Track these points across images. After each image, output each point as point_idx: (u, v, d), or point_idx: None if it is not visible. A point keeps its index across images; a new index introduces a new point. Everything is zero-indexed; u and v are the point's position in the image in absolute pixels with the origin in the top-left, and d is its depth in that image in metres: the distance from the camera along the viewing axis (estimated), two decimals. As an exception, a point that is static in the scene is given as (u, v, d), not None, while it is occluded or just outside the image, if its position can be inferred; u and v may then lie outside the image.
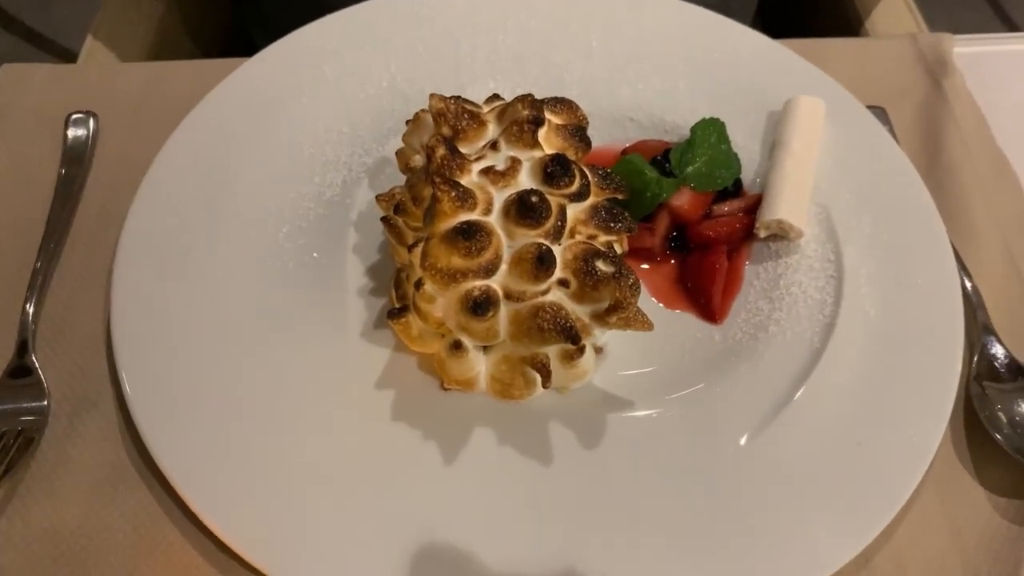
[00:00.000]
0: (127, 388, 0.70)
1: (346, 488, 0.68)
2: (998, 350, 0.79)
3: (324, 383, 0.73)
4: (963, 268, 0.85)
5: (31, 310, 0.77)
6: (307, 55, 0.94)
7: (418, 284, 0.67)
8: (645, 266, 0.84)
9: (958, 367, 0.75)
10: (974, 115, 0.99)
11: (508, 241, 0.67)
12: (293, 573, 0.63)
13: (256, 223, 0.82)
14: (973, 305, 0.82)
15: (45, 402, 0.73)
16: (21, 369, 0.74)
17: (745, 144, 0.91)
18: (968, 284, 0.84)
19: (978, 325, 0.81)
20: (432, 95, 0.72)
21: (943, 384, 0.74)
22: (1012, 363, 0.79)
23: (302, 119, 0.90)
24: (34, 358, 0.75)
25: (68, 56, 1.20)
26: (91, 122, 0.92)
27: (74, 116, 0.92)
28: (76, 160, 0.89)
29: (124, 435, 0.72)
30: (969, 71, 1.03)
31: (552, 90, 0.92)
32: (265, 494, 0.67)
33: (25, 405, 0.72)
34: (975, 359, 0.79)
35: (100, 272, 0.81)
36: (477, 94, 0.85)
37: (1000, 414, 0.75)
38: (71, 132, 0.91)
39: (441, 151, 0.68)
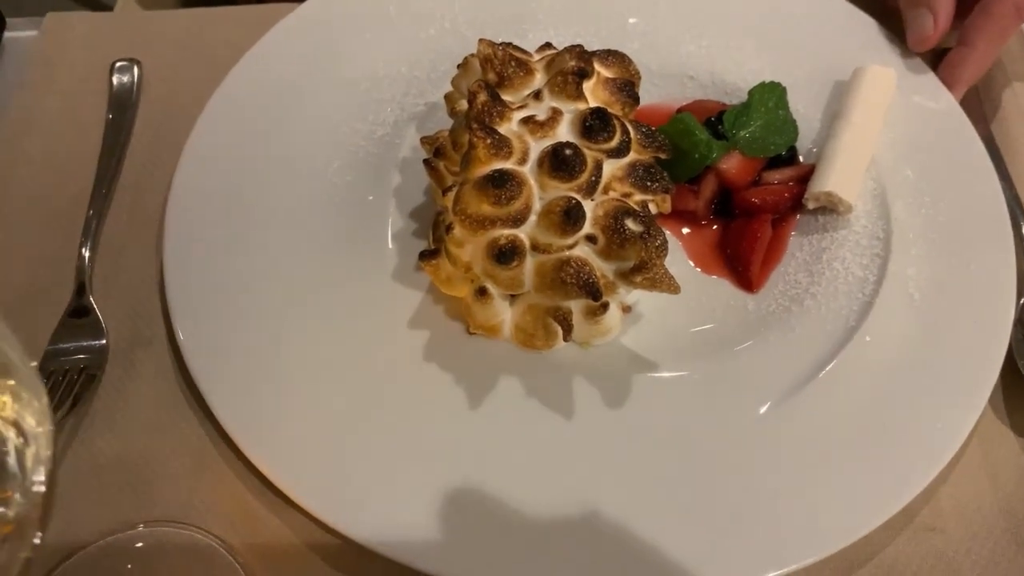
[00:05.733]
0: (179, 331, 0.73)
1: (379, 426, 0.70)
2: None
3: (362, 323, 0.75)
4: (1021, 210, 0.84)
5: (87, 254, 0.81)
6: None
7: (448, 228, 0.68)
8: (686, 229, 0.83)
9: (999, 363, 0.72)
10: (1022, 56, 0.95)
11: (540, 193, 0.67)
12: (326, 506, 0.66)
13: (307, 158, 0.84)
14: None
15: (104, 341, 0.76)
16: (80, 310, 0.78)
17: (807, 112, 0.88)
18: None
19: None
20: (481, 40, 0.72)
21: (981, 376, 0.72)
22: None
23: (362, 57, 0.91)
24: (92, 299, 0.78)
25: (102, 7, 1.23)
26: (135, 69, 0.95)
27: (118, 64, 0.95)
28: (123, 106, 0.91)
29: (178, 372, 0.75)
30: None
31: (614, 41, 0.90)
32: (305, 432, 0.69)
33: (86, 344, 0.76)
34: (1021, 303, 0.77)
35: (151, 215, 0.84)
36: (537, 41, 0.84)
37: None
38: (116, 79, 0.94)
39: (482, 97, 0.68)
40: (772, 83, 0.85)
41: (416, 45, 0.92)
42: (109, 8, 1.10)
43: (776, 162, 0.84)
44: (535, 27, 0.93)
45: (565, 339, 0.71)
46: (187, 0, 1.23)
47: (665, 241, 0.66)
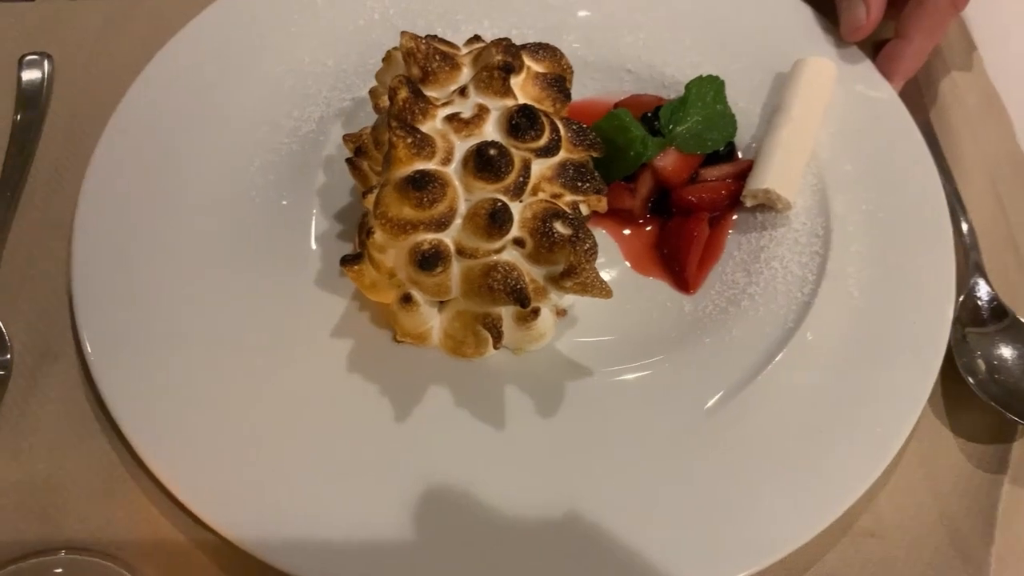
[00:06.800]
0: (87, 344, 0.69)
1: (300, 443, 0.66)
2: (984, 291, 0.78)
3: (282, 330, 0.72)
4: (960, 205, 0.83)
5: None
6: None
7: (370, 232, 0.65)
8: (627, 231, 0.80)
9: (938, 363, 0.71)
10: (963, 46, 0.95)
11: (466, 194, 0.64)
12: (241, 529, 0.62)
13: (227, 157, 0.80)
14: (966, 246, 0.80)
15: (8, 355, 0.71)
16: None
17: (747, 106, 0.86)
18: (964, 224, 0.82)
19: (969, 266, 0.79)
20: (403, 33, 0.69)
21: (920, 377, 0.70)
22: (997, 305, 0.77)
23: (287, 50, 0.87)
24: None
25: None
26: (46, 64, 0.88)
27: (28, 57, 0.88)
28: (31, 104, 0.85)
29: (87, 387, 0.71)
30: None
31: (550, 34, 0.88)
32: (221, 451, 0.66)
33: None
34: (960, 300, 0.77)
35: (61, 221, 0.79)
36: (471, 33, 0.81)
37: (979, 361, 0.74)
38: (25, 75, 0.88)
39: (403, 93, 0.65)
40: (710, 76, 0.82)
41: (344, 37, 0.89)
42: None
43: (714, 158, 0.82)
44: (468, 18, 0.90)
45: (495, 346, 0.68)
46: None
47: (595, 244, 0.64)
